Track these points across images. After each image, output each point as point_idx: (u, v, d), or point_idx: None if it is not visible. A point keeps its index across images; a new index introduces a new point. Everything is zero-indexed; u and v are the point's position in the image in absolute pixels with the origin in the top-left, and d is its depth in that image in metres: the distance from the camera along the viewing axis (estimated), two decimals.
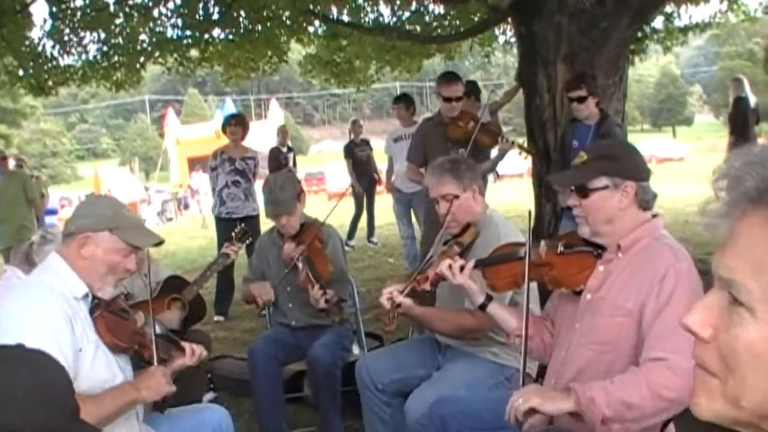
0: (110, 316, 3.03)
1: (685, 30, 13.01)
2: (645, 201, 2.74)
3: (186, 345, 3.37)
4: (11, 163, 11.55)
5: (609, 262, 2.76)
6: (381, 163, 12.23)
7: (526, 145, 7.19)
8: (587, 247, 2.87)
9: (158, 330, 3.26)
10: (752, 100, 11.83)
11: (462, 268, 3.18)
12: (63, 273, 2.91)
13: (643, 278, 2.57)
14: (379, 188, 13.53)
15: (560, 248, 2.95)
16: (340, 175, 38.36)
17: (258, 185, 7.53)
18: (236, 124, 8.71)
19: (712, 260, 1.03)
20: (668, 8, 11.94)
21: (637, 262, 2.65)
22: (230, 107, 41.43)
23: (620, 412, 2.42)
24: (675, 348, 2.40)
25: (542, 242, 3.06)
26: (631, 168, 2.73)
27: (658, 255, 2.60)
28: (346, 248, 12.91)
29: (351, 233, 13.51)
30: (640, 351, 2.55)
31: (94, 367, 2.85)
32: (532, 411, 2.56)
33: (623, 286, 2.64)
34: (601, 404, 2.43)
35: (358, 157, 12.91)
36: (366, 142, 13.13)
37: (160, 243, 3.20)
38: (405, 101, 9.94)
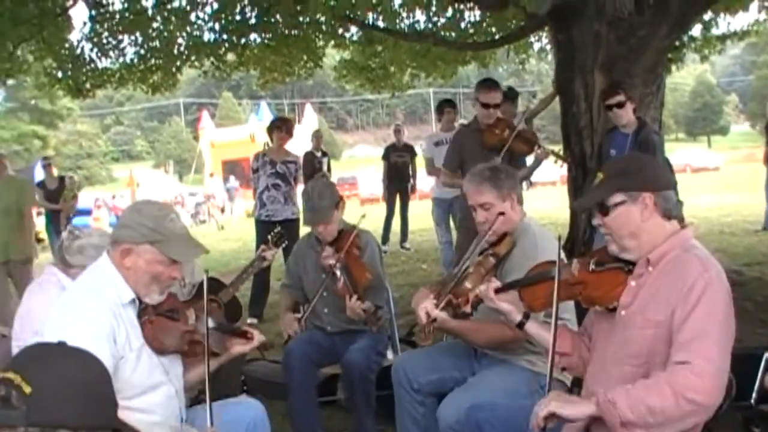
0: (158, 320, 3.05)
1: (722, 38, 12.91)
2: (667, 210, 2.71)
3: (246, 329, 3.48)
4: (9, 169, 10.00)
5: (640, 276, 2.73)
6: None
7: (561, 152, 7.16)
8: (618, 263, 2.85)
9: (212, 324, 3.26)
10: None
11: (498, 291, 3.17)
12: (112, 278, 2.94)
13: (672, 289, 2.56)
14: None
15: (592, 266, 2.93)
16: (373, 181, 38.54)
17: (300, 189, 7.55)
18: (282, 127, 8.73)
19: None
20: (706, 16, 11.85)
21: (667, 274, 2.63)
22: (265, 111, 41.75)
23: (643, 416, 2.41)
24: (699, 352, 2.41)
25: (574, 260, 3.05)
26: (645, 179, 2.72)
27: (687, 266, 2.58)
28: (384, 252, 13.02)
29: (385, 238, 13.56)
30: None
31: (136, 374, 2.88)
32: (552, 416, 2.55)
33: (653, 298, 2.63)
34: (622, 407, 2.43)
35: (393, 161, 12.97)
36: (408, 148, 13.18)
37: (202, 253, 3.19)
38: (454, 106, 10.03)
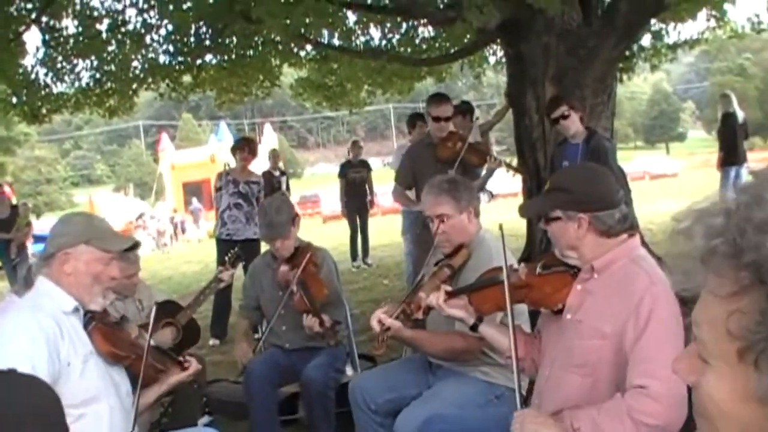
0: (105, 327, 3.10)
1: (673, 47, 13.10)
2: (605, 229, 2.74)
3: (182, 359, 3.44)
4: None
5: (586, 281, 2.78)
6: (378, 184, 12.30)
7: (514, 163, 7.23)
8: (565, 266, 2.90)
9: (153, 342, 3.30)
10: (740, 115, 11.96)
11: (447, 299, 3.22)
12: (50, 291, 2.98)
13: (620, 302, 2.60)
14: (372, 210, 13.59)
15: (539, 269, 2.99)
16: (335, 198, 38.50)
17: None
18: (245, 147, 8.75)
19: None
20: (656, 26, 12.03)
21: (614, 285, 2.67)
22: (224, 132, 41.56)
23: None
24: (654, 373, 2.44)
25: (522, 265, 3.11)
26: (584, 199, 2.75)
27: (635, 279, 2.61)
28: (354, 268, 13.05)
29: (353, 254, 13.64)
30: (621, 373, 2.58)
31: (83, 380, 2.88)
32: None
33: (601, 309, 2.67)
34: None
35: (350, 178, 12.98)
36: (363, 164, 13.20)
37: (135, 246, 3.35)
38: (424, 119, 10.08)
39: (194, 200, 34.45)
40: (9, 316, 2.90)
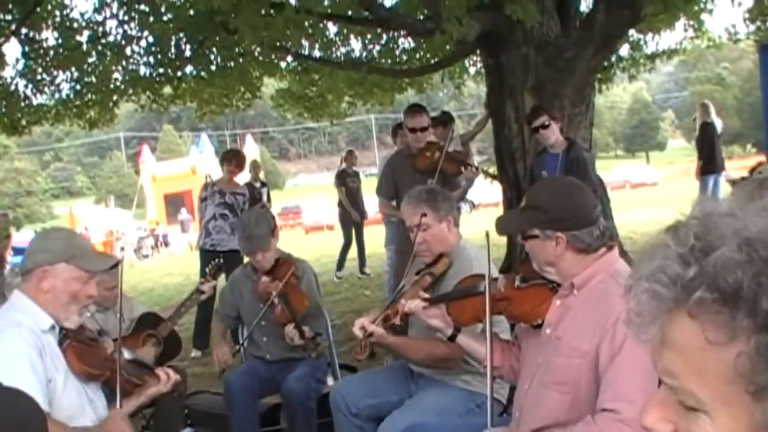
0: (79, 345, 3.09)
1: (651, 57, 13.19)
2: (583, 247, 2.72)
3: (159, 370, 3.43)
4: None
5: (565, 297, 2.77)
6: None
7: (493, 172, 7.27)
8: (544, 279, 2.89)
9: (128, 356, 3.30)
10: (718, 124, 12.07)
11: (427, 306, 3.25)
12: (27, 308, 2.96)
13: (597, 320, 2.58)
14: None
15: (517, 282, 2.99)
16: (317, 209, 38.44)
17: None
18: (233, 159, 8.76)
19: (652, 358, 1.03)
20: (634, 37, 12.12)
21: (592, 301, 2.65)
22: (206, 143, 41.48)
23: None
24: (625, 397, 2.43)
25: (500, 276, 3.12)
26: (561, 219, 2.72)
27: (613, 296, 2.56)
28: (336, 279, 13.03)
29: (340, 264, 13.61)
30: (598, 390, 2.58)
31: (65, 396, 2.89)
32: None
33: (580, 326, 2.65)
34: None
35: (350, 187, 12.98)
36: (357, 174, 13.21)
37: (116, 264, 3.30)
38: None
39: (183, 210, 34.30)
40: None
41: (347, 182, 13.00)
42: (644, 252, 1.03)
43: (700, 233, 0.96)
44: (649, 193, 32.57)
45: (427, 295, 3.31)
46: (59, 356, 2.97)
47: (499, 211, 12.55)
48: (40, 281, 2.97)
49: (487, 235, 3.12)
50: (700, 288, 0.92)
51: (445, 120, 8.29)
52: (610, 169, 48.21)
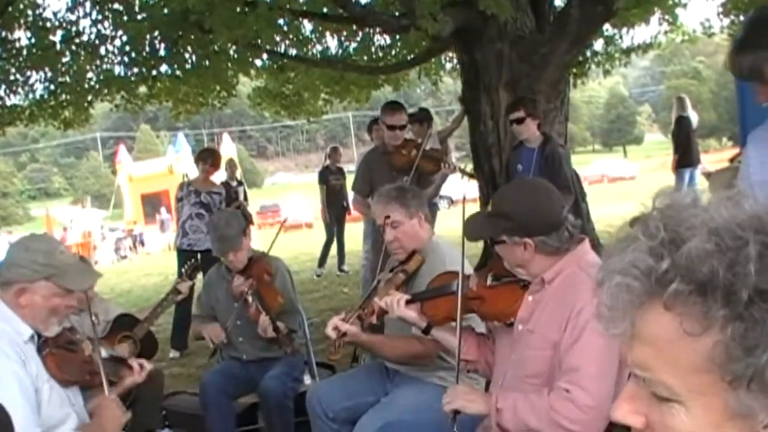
0: (58, 352, 3.05)
1: (627, 51, 13.25)
2: (552, 250, 2.73)
3: (133, 362, 3.43)
4: None
5: (536, 292, 2.79)
6: None
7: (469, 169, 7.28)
8: (514, 277, 2.90)
9: (105, 354, 3.29)
10: (694, 118, 12.14)
11: (399, 303, 3.25)
12: (7, 317, 2.89)
13: (563, 310, 2.61)
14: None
15: (489, 280, 3.00)
16: (295, 207, 38.27)
17: None
18: (208, 158, 8.73)
19: (620, 350, 1.03)
20: (608, 31, 12.18)
21: (561, 293, 2.68)
22: (182, 142, 41.20)
23: (520, 430, 2.57)
24: (580, 382, 2.48)
25: (473, 273, 3.13)
26: (526, 226, 2.71)
27: (579, 286, 2.60)
28: (316, 276, 13.02)
29: (322, 260, 13.64)
30: None
31: (50, 406, 2.84)
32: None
33: (549, 318, 2.68)
34: (507, 417, 2.59)
35: (331, 185, 12.95)
36: (340, 171, 13.17)
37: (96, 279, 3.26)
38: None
39: (163, 210, 34.04)
40: None
41: (329, 180, 12.97)
42: (613, 246, 1.03)
43: (668, 225, 0.96)
44: (627, 186, 32.74)
45: (400, 295, 3.31)
46: (40, 366, 2.91)
47: (476, 207, 12.58)
48: (18, 296, 2.89)
49: (463, 252, 3.16)
50: (675, 280, 0.93)
51: (422, 117, 8.30)
52: (587, 163, 48.38)
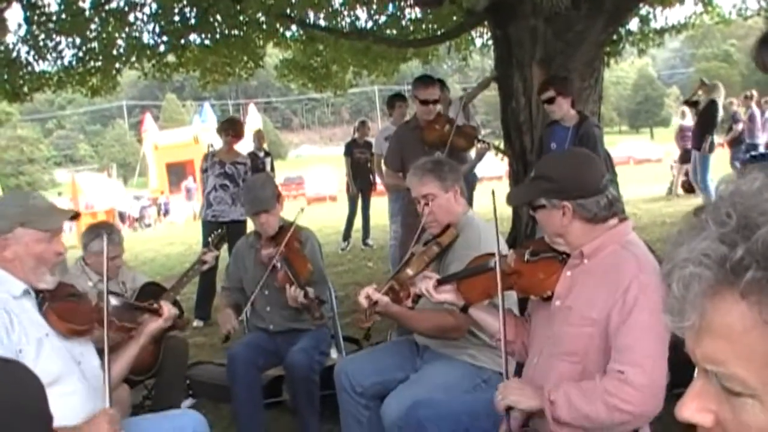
0: (59, 305, 3.02)
1: (660, 32, 13.08)
2: (590, 216, 2.72)
3: (158, 304, 3.45)
4: None
5: (575, 267, 2.78)
6: None
7: (502, 146, 7.19)
8: (553, 252, 2.90)
9: (116, 302, 3.25)
10: (720, 109, 12.25)
11: (436, 286, 3.22)
12: None
13: (608, 288, 2.58)
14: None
15: (527, 256, 2.98)
16: (320, 180, 38.31)
17: None
18: (230, 129, 8.68)
19: (687, 346, 0.98)
20: (643, 10, 12.01)
21: (603, 270, 2.65)
22: (208, 112, 41.35)
23: (579, 421, 2.52)
24: (634, 362, 2.45)
25: (510, 251, 3.10)
26: (566, 188, 2.72)
27: (624, 265, 2.59)
28: (341, 250, 13.04)
29: (346, 234, 13.68)
30: (609, 359, 2.59)
31: (41, 361, 2.78)
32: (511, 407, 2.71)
33: (590, 295, 2.65)
34: (562, 411, 2.54)
35: (356, 158, 12.93)
36: (368, 144, 13.06)
37: (76, 216, 3.25)
38: (405, 100, 9.89)
39: (190, 178, 34.16)
40: None
41: (354, 153, 12.95)
42: (679, 236, 0.98)
43: (739, 211, 0.91)
44: (654, 169, 32.49)
45: (437, 277, 3.27)
46: (36, 321, 2.90)
47: (504, 184, 12.52)
48: (2, 250, 2.93)
49: (493, 192, 3.16)
50: (751, 267, 0.87)
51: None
52: (614, 144, 47.81)
